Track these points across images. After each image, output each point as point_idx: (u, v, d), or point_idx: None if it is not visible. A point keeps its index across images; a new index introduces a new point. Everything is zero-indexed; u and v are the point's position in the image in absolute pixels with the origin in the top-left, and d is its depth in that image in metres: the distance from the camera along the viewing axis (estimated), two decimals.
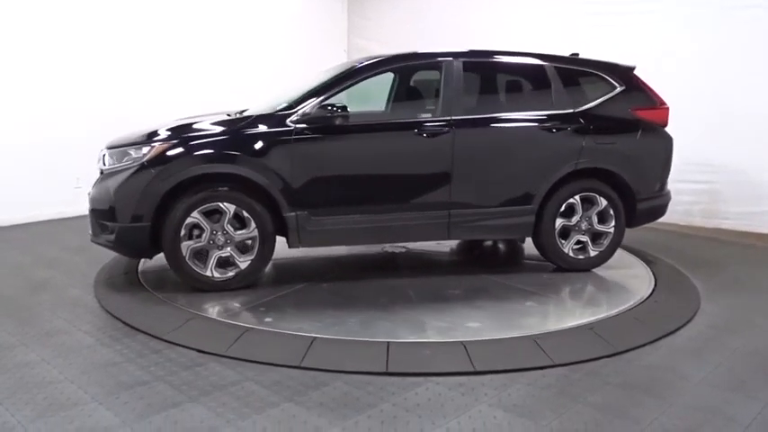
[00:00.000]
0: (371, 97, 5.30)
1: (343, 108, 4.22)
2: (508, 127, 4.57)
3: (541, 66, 4.68)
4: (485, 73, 4.81)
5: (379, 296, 4.22)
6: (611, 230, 4.70)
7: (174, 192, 4.10)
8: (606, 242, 4.72)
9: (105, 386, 2.94)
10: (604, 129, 4.61)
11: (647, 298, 4.25)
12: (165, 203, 4.10)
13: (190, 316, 3.75)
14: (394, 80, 5.20)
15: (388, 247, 5.45)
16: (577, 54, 4.88)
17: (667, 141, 4.84)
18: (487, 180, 4.48)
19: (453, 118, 4.37)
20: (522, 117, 4.61)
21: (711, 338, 3.62)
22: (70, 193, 6.77)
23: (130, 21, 7.30)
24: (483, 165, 4.43)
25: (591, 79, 4.75)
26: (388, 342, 3.39)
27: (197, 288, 4.22)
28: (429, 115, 4.54)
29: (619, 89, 4.73)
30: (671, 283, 4.61)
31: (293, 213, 4.22)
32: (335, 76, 4.40)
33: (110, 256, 4.96)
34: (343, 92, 4.43)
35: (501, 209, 4.52)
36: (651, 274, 4.83)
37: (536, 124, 4.56)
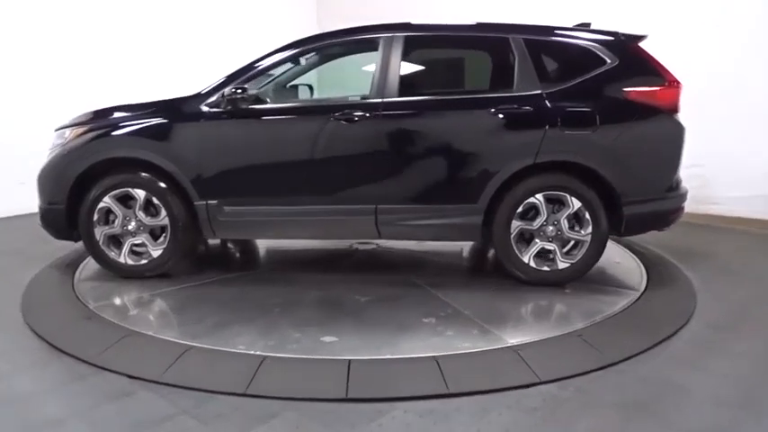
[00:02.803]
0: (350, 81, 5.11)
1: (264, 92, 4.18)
2: (449, 111, 4.12)
3: (504, 39, 4.14)
4: (431, 49, 4.43)
5: (342, 300, 3.96)
6: (586, 238, 4.09)
7: (95, 176, 4.23)
8: (580, 253, 4.11)
9: (6, 430, 2.56)
10: (578, 114, 3.98)
11: (640, 297, 4.01)
12: (87, 187, 4.24)
13: (125, 332, 3.44)
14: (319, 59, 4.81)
15: (357, 244, 5.25)
16: (589, 24, 4.30)
17: (673, 130, 4.01)
18: (421, 172, 4.09)
19: (382, 101, 4.02)
20: (468, 100, 4.18)
21: (712, 342, 3.39)
22: (14, 190, 6.57)
23: (83, 16, 6.79)
24: (416, 154, 4.09)
25: (574, 53, 4.12)
26: (350, 360, 3.06)
27: (124, 277, 4.35)
28: (358, 98, 4.24)
29: (610, 64, 4.03)
30: (664, 278, 4.42)
31: (203, 202, 4.14)
32: (258, 58, 4.16)
33: (48, 259, 4.81)
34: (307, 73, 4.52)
35: (439, 207, 4.11)
36: (642, 267, 4.66)
37: (485, 108, 4.02)
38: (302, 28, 8.95)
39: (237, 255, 5.36)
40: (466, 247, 5.34)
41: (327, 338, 3.33)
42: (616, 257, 4.89)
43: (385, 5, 8.29)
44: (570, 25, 4.34)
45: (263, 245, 5.48)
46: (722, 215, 6.30)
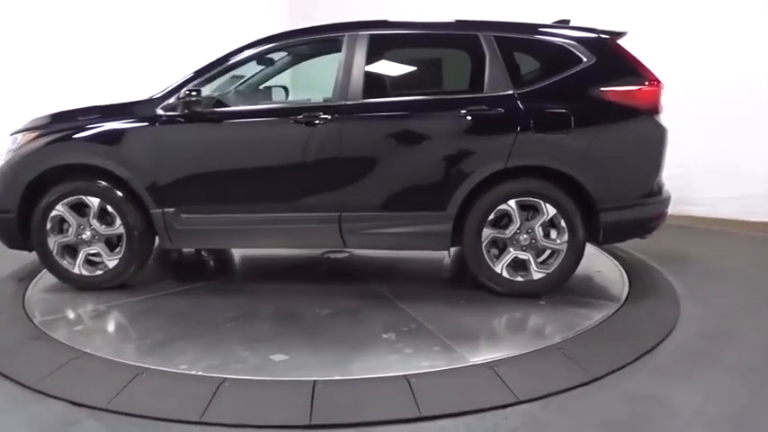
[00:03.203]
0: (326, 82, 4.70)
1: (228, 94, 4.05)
2: (415, 114, 3.90)
3: (473, 37, 3.89)
4: (397, 48, 4.19)
5: (300, 313, 3.75)
6: (562, 247, 3.83)
7: (49, 183, 4.01)
8: (556, 262, 3.86)
9: None
10: (551, 116, 3.74)
11: (622, 306, 3.81)
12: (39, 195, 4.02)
13: (73, 354, 3.19)
14: (290, 60, 4.64)
15: (329, 252, 5.02)
16: (568, 21, 4.09)
17: (654, 132, 3.78)
18: (387, 178, 3.86)
19: (345, 103, 3.81)
20: (435, 101, 3.96)
21: (699, 353, 3.22)
22: None
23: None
24: (380, 159, 3.86)
25: (548, 51, 3.90)
26: (314, 381, 2.83)
27: (80, 289, 4.13)
28: (321, 101, 4.05)
29: (586, 63, 3.77)
30: (646, 285, 4.23)
31: (159, 210, 3.91)
32: (214, 60, 3.98)
33: (2, 271, 4.55)
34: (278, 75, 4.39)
35: (406, 214, 3.88)
36: (623, 273, 4.45)
37: (454, 110, 3.79)
38: (275, 29, 8.77)
39: (207, 262, 5.14)
40: (447, 254, 5.07)
41: (277, 357, 3.11)
42: (597, 265, 4.63)
43: (359, 7, 8.09)
44: (549, 22, 4.09)
45: (237, 252, 5.25)
46: (704, 216, 6.10)
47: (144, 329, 3.54)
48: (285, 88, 5.26)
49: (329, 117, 3.82)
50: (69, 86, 6.81)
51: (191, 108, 3.87)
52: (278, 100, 4.87)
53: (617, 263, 4.70)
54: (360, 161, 3.87)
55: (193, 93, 3.81)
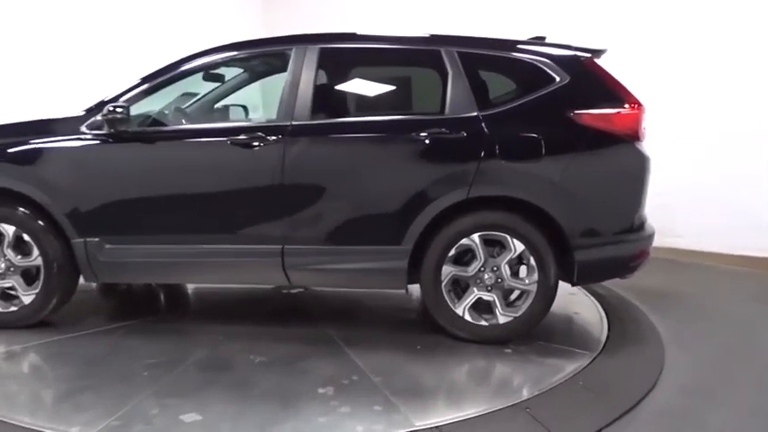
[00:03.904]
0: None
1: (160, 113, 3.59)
2: (368, 137, 3.48)
3: (435, 52, 3.48)
4: (351, 63, 3.78)
5: (232, 360, 3.28)
6: (531, 287, 3.39)
7: None
8: (524, 304, 3.42)
9: None
10: (519, 141, 3.34)
11: (599, 354, 3.37)
12: None
13: None
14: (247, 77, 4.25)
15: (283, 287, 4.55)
16: (543, 38, 3.70)
17: (634, 161, 3.36)
18: (336, 208, 3.45)
19: (291, 124, 3.39)
20: (390, 123, 3.49)
21: (686, 413, 2.81)
22: None
23: None
24: (329, 187, 3.43)
25: (517, 69, 3.51)
26: None
27: None
28: (263, 121, 3.68)
29: (559, 83, 3.38)
30: (627, 328, 3.82)
31: (81, 240, 3.46)
32: (149, 73, 3.59)
33: None
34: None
35: (357, 248, 3.44)
36: (602, 313, 4.01)
37: (410, 133, 3.37)
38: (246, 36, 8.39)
39: (146, 295, 4.64)
40: (414, 290, 4.61)
41: (189, 417, 2.65)
42: (574, 305, 4.18)
43: (335, 13, 7.74)
44: (523, 39, 3.67)
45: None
46: (688, 249, 5.69)
47: (49, 379, 3.11)
48: (244, 107, 4.82)
49: (271, 139, 3.37)
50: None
51: (115, 126, 3.42)
52: (234, 119, 4.42)
53: (596, 302, 4.25)
54: (305, 189, 3.44)
55: (118, 109, 3.35)
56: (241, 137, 3.42)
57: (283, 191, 3.42)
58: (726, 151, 5.49)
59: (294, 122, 3.43)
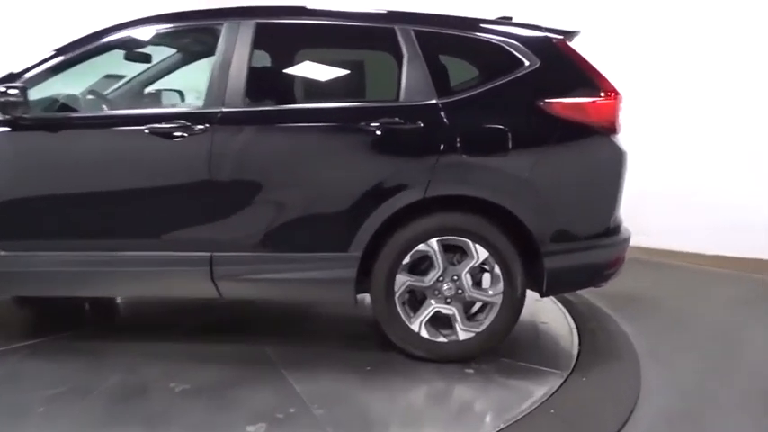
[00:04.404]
0: None
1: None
2: (309, 127, 3.01)
3: (388, 30, 3.03)
4: (291, 42, 3.28)
5: (149, 388, 2.78)
6: (496, 299, 2.99)
7: None
8: (488, 318, 3.02)
9: None
10: (483, 133, 2.93)
11: (570, 374, 2.97)
12: None
13: None
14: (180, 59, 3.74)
15: None
16: (510, 18, 3.27)
17: (610, 156, 2.97)
18: (273, 209, 2.98)
19: (220, 111, 2.92)
20: (335, 111, 3.05)
21: None
22: None
23: None
24: (264, 185, 2.96)
25: (481, 52, 3.08)
26: None
27: None
28: (188, 107, 3.27)
29: (528, 67, 2.96)
30: (599, 340, 3.47)
31: None
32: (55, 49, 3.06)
33: None
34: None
35: (298, 255, 2.98)
36: (571, 323, 3.64)
37: (359, 123, 2.92)
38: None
39: (70, 306, 4.07)
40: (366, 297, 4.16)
41: None
42: (542, 314, 3.80)
43: None
44: (487, 18, 3.22)
45: None
46: (653, 248, 5.35)
47: None
48: (180, 93, 4.29)
49: (197, 128, 2.87)
50: None
51: (8, 111, 2.87)
52: (165, 105, 3.90)
53: (564, 310, 3.87)
54: (236, 187, 2.96)
55: (11, 91, 2.80)
56: (161, 125, 2.90)
57: (211, 189, 2.94)
58: (708, 144, 5.17)
59: (224, 109, 2.95)
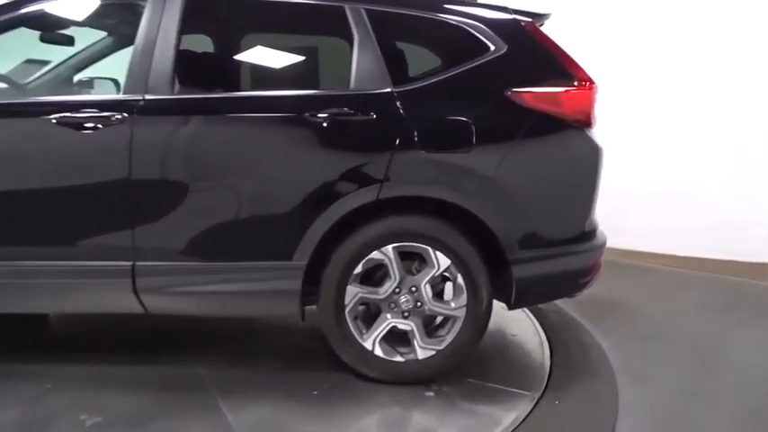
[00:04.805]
0: None
1: None
2: (246, 118, 2.61)
3: (337, 10, 2.66)
4: (227, 19, 2.90)
5: (53, 422, 2.34)
6: (459, 313, 2.66)
7: None
8: (450, 334, 2.69)
9: None
10: (444, 126, 2.58)
11: (543, 394, 2.67)
12: None
13: None
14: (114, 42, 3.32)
15: None
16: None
17: (585, 153, 2.66)
18: (203, 213, 2.59)
19: (142, 99, 2.52)
20: (276, 100, 2.65)
21: None
22: None
23: None
24: (194, 185, 2.57)
25: (442, 35, 2.75)
26: None
27: None
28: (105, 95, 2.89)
29: (494, 53, 2.62)
30: (572, 355, 3.16)
31: None
32: None
33: None
34: None
35: (234, 265, 2.59)
36: (542, 335, 3.32)
37: (302, 114, 2.54)
38: None
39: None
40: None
41: None
42: (510, 325, 3.45)
43: None
44: None
45: None
46: (631, 249, 5.05)
47: None
48: (115, 81, 3.84)
49: (115, 118, 2.47)
50: None
51: None
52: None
53: (534, 320, 3.55)
54: (160, 186, 2.57)
55: None
56: (71, 115, 2.49)
57: (131, 189, 2.54)
58: (690, 138, 4.91)
59: (147, 97, 2.55)
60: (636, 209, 4.90)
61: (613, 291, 4.14)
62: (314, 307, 2.72)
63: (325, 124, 2.54)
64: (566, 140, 2.66)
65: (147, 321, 2.92)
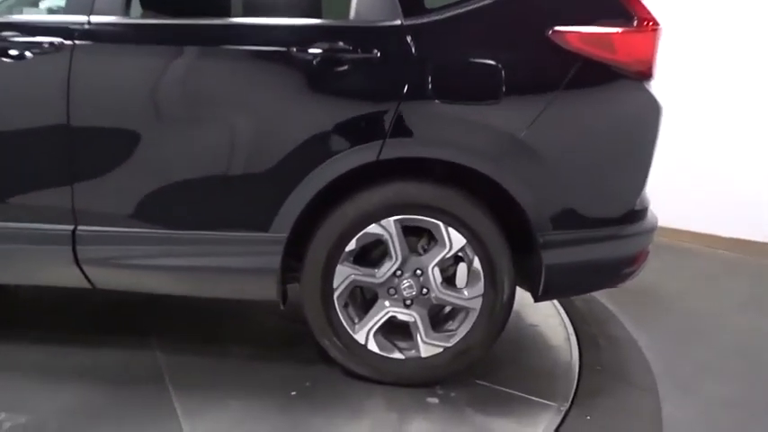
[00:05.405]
0: None
1: None
2: (214, 52, 2.07)
3: None
4: None
5: None
6: (474, 304, 2.17)
7: None
8: (461, 329, 2.20)
9: None
10: (465, 71, 2.04)
11: (572, 403, 2.20)
12: None
13: None
14: None
15: None
16: None
17: (642, 110, 2.11)
18: (159, 168, 2.08)
19: (87, 21, 2.01)
20: (254, 30, 2.11)
21: None
22: None
23: None
24: (150, 133, 2.06)
25: None
26: None
27: None
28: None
29: None
30: (603, 351, 2.67)
31: None
32: None
33: None
34: None
35: (196, 235, 2.09)
36: (568, 327, 2.83)
37: (287, 49, 2.00)
38: None
39: None
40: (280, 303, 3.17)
41: None
42: (529, 315, 2.95)
43: None
44: None
45: None
46: (669, 227, 4.38)
47: None
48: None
49: (48, 45, 1.94)
50: None
51: None
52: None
53: (559, 307, 3.02)
54: (108, 135, 2.06)
55: None
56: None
57: (71, 136, 2.03)
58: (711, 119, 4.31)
59: (93, 19, 2.01)
60: (671, 180, 4.32)
61: (647, 274, 3.58)
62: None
63: (315, 63, 2.00)
64: (619, 95, 2.11)
65: (101, 295, 2.42)
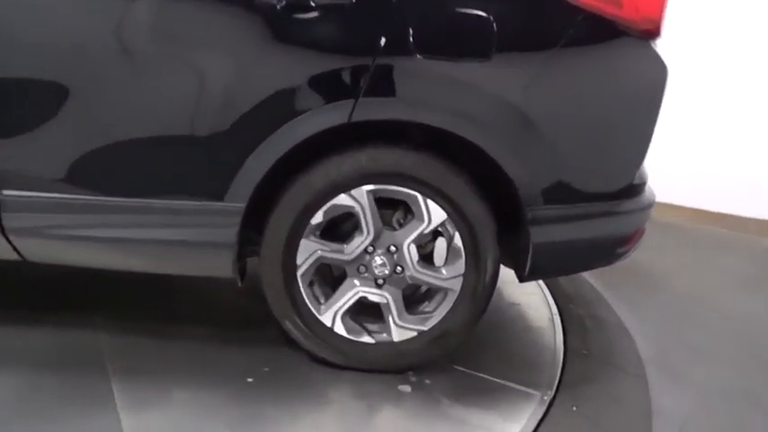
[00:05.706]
0: None
1: None
2: None
3: None
4: None
5: None
6: (453, 285, 1.98)
7: None
8: (438, 311, 2.01)
9: None
10: (451, 23, 1.77)
11: (557, 390, 2.05)
12: None
13: None
14: None
15: None
16: None
17: (646, 73, 1.89)
18: (95, 124, 1.79)
19: None
20: None
21: None
22: None
23: None
24: (81, 82, 1.76)
25: None
26: None
27: None
28: None
29: None
30: (589, 334, 2.50)
31: None
32: None
33: None
34: None
35: (138, 203, 1.84)
36: (552, 307, 2.64)
37: None
38: None
39: None
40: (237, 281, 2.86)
41: None
42: (513, 292, 2.74)
43: None
44: None
45: None
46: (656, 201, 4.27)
47: None
48: None
49: None
50: None
51: None
52: None
53: (543, 287, 2.83)
54: (30, 85, 1.75)
55: None
56: None
57: None
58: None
59: None
60: (658, 150, 4.13)
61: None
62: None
63: (279, 7, 1.72)
64: (623, 54, 1.88)
65: (41, 267, 2.16)
